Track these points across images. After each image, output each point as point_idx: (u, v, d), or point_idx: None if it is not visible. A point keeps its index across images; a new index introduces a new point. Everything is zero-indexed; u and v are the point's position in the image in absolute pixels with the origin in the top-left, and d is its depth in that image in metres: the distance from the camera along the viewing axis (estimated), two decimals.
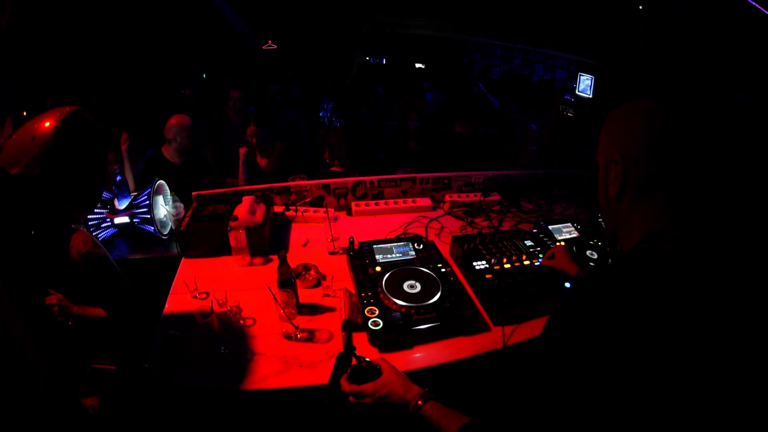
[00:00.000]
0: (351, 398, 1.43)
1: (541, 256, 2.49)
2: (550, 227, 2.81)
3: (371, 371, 1.44)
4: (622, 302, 0.90)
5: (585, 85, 9.34)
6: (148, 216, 2.82)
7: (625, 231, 1.14)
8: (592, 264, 2.49)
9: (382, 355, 1.87)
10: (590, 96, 9.21)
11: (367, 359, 1.48)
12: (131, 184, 3.80)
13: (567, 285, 2.27)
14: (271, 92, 5.59)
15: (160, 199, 2.99)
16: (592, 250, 2.62)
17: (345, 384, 1.43)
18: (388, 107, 6.62)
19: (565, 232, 2.82)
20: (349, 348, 1.61)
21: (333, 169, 3.67)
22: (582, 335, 0.94)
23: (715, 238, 1.00)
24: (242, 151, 4.07)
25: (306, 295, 2.25)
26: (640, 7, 7.06)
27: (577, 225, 2.91)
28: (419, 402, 1.31)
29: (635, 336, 0.84)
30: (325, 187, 3.20)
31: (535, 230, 2.82)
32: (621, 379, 0.84)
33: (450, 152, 4.69)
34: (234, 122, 5.04)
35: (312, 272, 2.37)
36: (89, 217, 2.85)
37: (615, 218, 1.17)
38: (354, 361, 1.49)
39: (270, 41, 9.59)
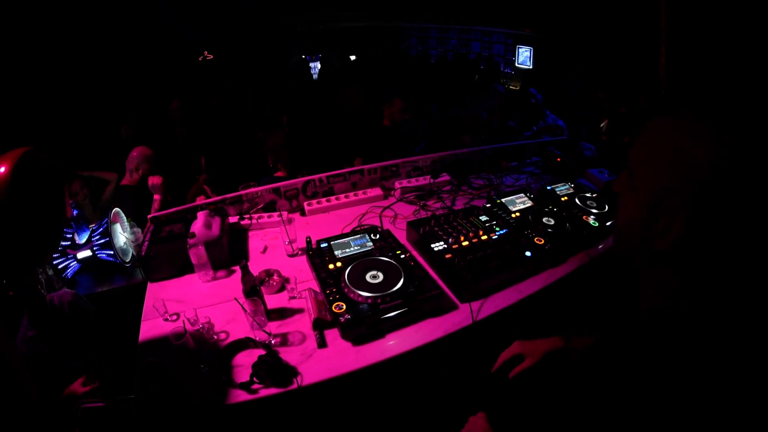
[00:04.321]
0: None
1: (498, 229, 2.56)
2: (503, 200, 2.88)
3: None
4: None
5: (524, 57, 9.49)
6: (110, 247, 2.78)
7: (651, 290, 0.97)
8: (550, 230, 2.57)
9: (356, 348, 1.91)
10: (530, 67, 9.36)
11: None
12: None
13: (528, 254, 2.35)
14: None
15: (118, 227, 2.94)
16: (548, 216, 2.69)
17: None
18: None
19: (519, 203, 2.89)
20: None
21: (277, 174, 3.66)
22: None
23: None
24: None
25: (272, 300, 2.27)
26: None
27: (530, 194, 2.98)
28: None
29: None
30: (276, 191, 3.20)
31: (488, 205, 2.87)
32: None
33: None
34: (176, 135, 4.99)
35: (275, 277, 2.38)
36: (54, 255, 2.80)
37: (644, 272, 0.97)
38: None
39: (206, 52, 9.42)
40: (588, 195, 2.96)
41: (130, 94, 6.60)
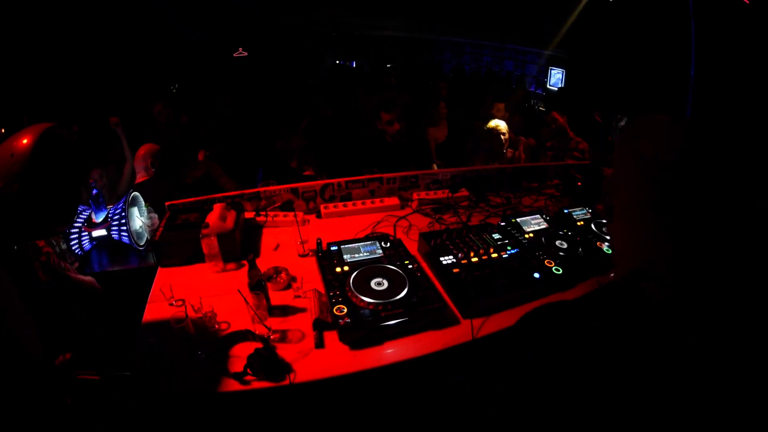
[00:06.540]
0: None
1: (509, 248, 2.54)
2: (518, 220, 2.86)
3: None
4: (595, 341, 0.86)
5: (556, 78, 9.45)
6: (125, 227, 2.84)
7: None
8: (562, 254, 2.55)
9: (353, 352, 1.92)
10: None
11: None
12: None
13: (536, 275, 2.33)
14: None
15: (135, 210, 3.00)
16: (562, 240, 2.67)
17: None
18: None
19: (534, 224, 2.87)
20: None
21: (306, 173, 3.70)
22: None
23: (714, 281, 0.90)
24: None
25: (278, 297, 2.29)
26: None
27: (546, 216, 2.96)
28: None
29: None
30: (294, 191, 3.23)
31: (503, 223, 2.86)
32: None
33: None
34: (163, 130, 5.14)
35: (283, 275, 2.40)
36: (69, 231, 2.87)
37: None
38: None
39: (240, 48, 9.56)
40: (605, 222, 2.93)
41: (129, 92, 6.77)
